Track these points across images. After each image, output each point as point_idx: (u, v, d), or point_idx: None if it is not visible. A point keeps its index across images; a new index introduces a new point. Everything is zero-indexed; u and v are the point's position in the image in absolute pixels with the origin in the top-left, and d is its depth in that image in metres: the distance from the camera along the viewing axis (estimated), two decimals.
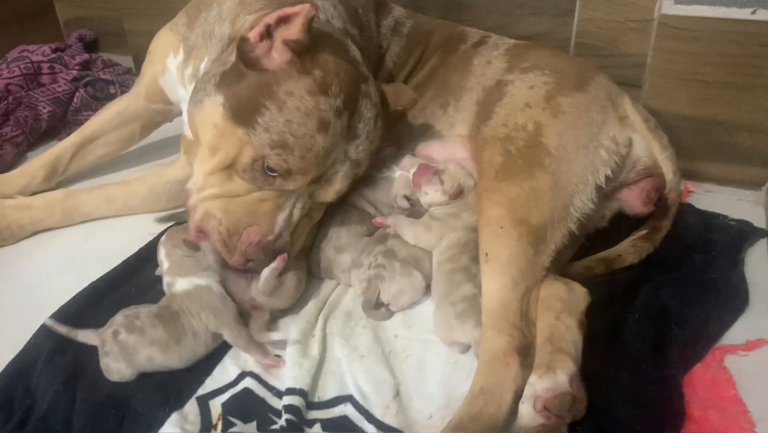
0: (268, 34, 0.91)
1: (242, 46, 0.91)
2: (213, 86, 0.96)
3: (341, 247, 1.08)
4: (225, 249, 0.96)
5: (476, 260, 0.99)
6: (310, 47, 0.91)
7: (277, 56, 0.91)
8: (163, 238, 1.06)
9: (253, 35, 0.91)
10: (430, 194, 1.10)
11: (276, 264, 0.96)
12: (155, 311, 0.94)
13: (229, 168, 0.95)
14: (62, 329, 0.96)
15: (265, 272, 0.96)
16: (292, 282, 1.01)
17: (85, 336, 0.95)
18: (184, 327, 0.92)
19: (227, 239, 0.95)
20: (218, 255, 1.00)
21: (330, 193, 1.01)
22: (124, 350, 0.89)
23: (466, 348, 0.96)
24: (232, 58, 0.96)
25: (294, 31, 0.88)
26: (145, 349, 0.89)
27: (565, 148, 1.01)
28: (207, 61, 1.11)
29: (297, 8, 0.88)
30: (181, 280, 0.97)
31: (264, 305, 0.98)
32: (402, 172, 1.14)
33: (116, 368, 0.89)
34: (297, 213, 0.99)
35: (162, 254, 1.03)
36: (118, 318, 0.93)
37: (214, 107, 0.94)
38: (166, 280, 0.99)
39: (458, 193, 1.08)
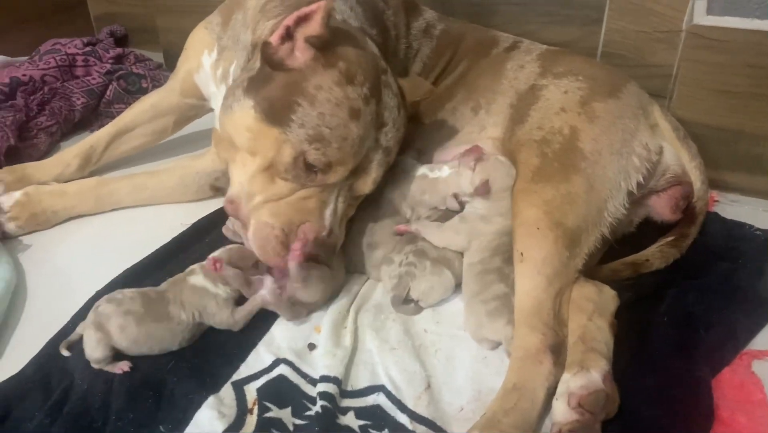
0: (288, 35, 0.94)
1: (266, 49, 0.94)
2: (242, 91, 0.98)
3: (374, 243, 1.10)
4: (285, 250, 0.97)
5: (510, 262, 1.00)
6: (330, 42, 0.94)
7: (301, 55, 0.94)
8: (230, 247, 1.03)
9: (274, 38, 0.94)
10: (462, 177, 1.10)
11: (296, 256, 0.95)
12: (142, 290, 0.96)
13: (269, 170, 0.97)
14: (66, 348, 0.95)
15: (291, 266, 0.96)
16: (320, 276, 1.01)
17: (81, 327, 0.95)
18: (169, 313, 0.93)
19: (285, 240, 0.96)
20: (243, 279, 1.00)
21: (368, 183, 1.04)
22: (98, 319, 0.91)
23: (495, 345, 0.98)
24: (257, 64, 0.98)
25: (314, 26, 0.91)
26: (118, 317, 0.90)
27: (600, 153, 1.03)
28: (235, 67, 1.14)
29: (313, 6, 0.91)
30: (202, 277, 0.98)
31: (304, 301, 0.99)
32: (452, 171, 1.14)
33: (88, 337, 0.90)
34: (341, 207, 1.02)
35: (219, 252, 1.02)
36: (102, 299, 0.94)
37: (245, 111, 0.97)
38: (192, 267, 1.01)
39: (484, 189, 1.07)
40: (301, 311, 1.00)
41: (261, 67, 0.97)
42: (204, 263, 1.01)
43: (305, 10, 0.92)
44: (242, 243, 1.05)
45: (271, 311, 1.01)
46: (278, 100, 0.94)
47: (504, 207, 1.07)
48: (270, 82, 0.95)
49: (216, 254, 1.01)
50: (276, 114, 0.94)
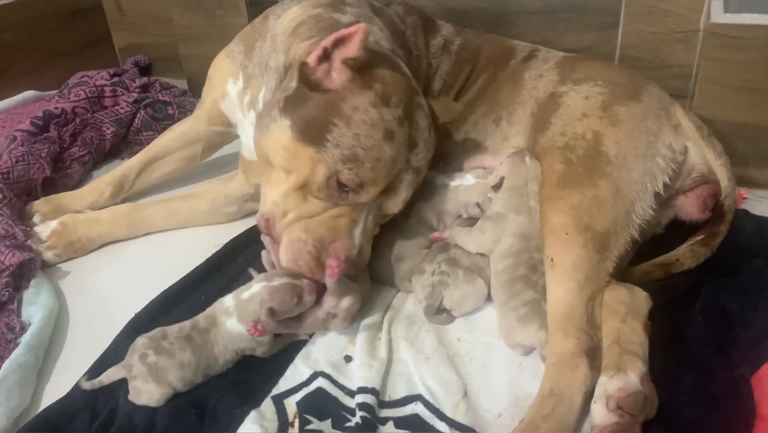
0: (325, 56, 0.96)
1: (303, 70, 0.97)
2: (278, 111, 1.00)
3: (401, 256, 1.11)
4: (318, 267, 0.98)
5: (534, 269, 1.01)
6: (367, 64, 0.96)
7: (337, 76, 0.96)
8: (274, 286, 0.96)
9: (312, 59, 0.96)
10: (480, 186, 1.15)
11: (334, 273, 0.95)
12: (185, 332, 0.94)
13: (303, 189, 0.99)
14: (90, 384, 0.94)
15: (328, 282, 0.97)
16: (352, 286, 1.02)
17: (111, 374, 0.94)
18: (215, 356, 0.94)
19: (318, 256, 0.98)
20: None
21: (397, 203, 1.05)
22: (154, 372, 0.90)
23: (528, 350, 0.98)
24: (293, 84, 1.00)
25: (353, 49, 0.93)
26: (175, 371, 0.91)
27: (625, 156, 1.03)
28: (265, 91, 1.16)
29: (352, 29, 0.93)
30: (236, 322, 0.95)
31: (340, 313, 0.99)
32: (478, 180, 1.16)
33: (145, 389, 0.90)
34: (370, 226, 1.03)
35: (254, 291, 0.97)
36: (141, 341, 0.93)
37: (282, 131, 0.99)
38: (226, 305, 0.98)
39: (498, 184, 1.11)
40: (336, 322, 1.00)
41: (298, 87, 0.99)
42: (238, 302, 0.97)
43: (343, 32, 0.94)
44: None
45: None
46: (314, 120, 0.96)
47: (519, 205, 1.08)
48: (306, 102, 0.97)
49: (262, 295, 0.95)
50: (312, 134, 0.96)
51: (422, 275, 1.08)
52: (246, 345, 0.96)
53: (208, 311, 0.99)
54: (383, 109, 0.96)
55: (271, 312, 0.93)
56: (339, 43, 0.95)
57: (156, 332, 0.95)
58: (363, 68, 0.96)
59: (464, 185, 1.17)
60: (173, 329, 0.95)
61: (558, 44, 1.42)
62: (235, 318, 0.96)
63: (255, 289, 0.97)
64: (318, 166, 0.97)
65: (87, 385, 0.94)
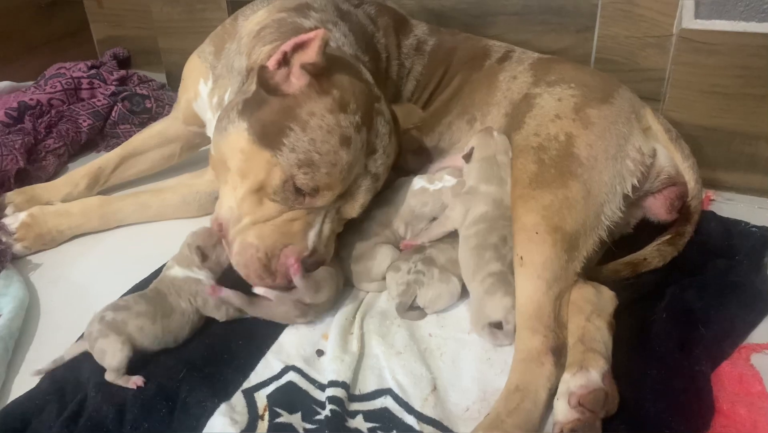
0: (285, 61, 0.97)
1: (262, 74, 0.97)
2: (236, 114, 1.01)
3: (358, 257, 1.12)
4: (267, 274, 1.00)
5: (504, 241, 1.03)
6: (326, 69, 0.97)
7: (296, 81, 0.97)
8: (195, 231, 1.10)
9: (271, 63, 0.97)
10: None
11: (295, 270, 0.99)
12: (138, 294, 1.01)
13: (258, 192, 0.99)
14: (50, 365, 0.97)
15: (299, 282, 0.99)
16: (325, 276, 1.04)
17: (72, 349, 0.98)
18: (171, 306, 0.99)
19: (267, 263, 0.99)
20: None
21: (355, 208, 1.06)
22: (113, 326, 0.93)
23: (498, 337, 0.99)
24: (253, 87, 1.01)
25: (311, 54, 0.94)
26: (133, 320, 0.95)
27: (596, 158, 1.05)
28: (230, 93, 1.17)
29: (311, 34, 0.94)
30: (177, 268, 1.05)
31: (312, 303, 1.02)
32: (459, 180, 1.17)
33: (107, 343, 0.92)
34: (327, 229, 1.04)
35: (183, 241, 1.09)
36: (97, 314, 0.97)
37: (239, 133, 0.99)
38: (167, 263, 1.07)
39: (468, 155, 1.15)
40: (307, 310, 1.02)
41: (256, 91, 0.99)
42: (176, 255, 1.07)
43: (303, 37, 0.95)
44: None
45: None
46: (271, 123, 0.97)
47: (489, 175, 1.10)
48: (264, 106, 0.98)
49: (201, 234, 1.09)
50: (268, 137, 0.97)
51: (397, 273, 1.08)
52: (196, 288, 1.02)
53: (157, 278, 1.06)
54: (340, 116, 0.97)
55: (199, 250, 1.05)
56: (298, 47, 0.96)
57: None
58: (321, 74, 0.96)
59: (447, 186, 1.18)
60: (126, 296, 1.02)
61: (536, 45, 1.43)
62: (176, 266, 1.05)
63: (189, 237, 1.09)
64: (274, 169, 0.97)
65: (50, 364, 0.96)
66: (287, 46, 0.95)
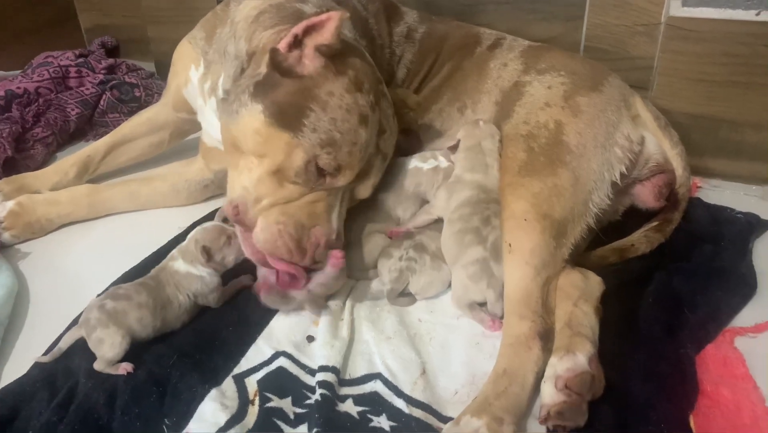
0: (296, 43, 0.97)
1: (274, 56, 0.97)
2: (248, 96, 1.00)
3: (349, 245, 1.11)
4: (298, 250, 0.98)
5: (487, 222, 1.04)
6: (338, 52, 0.97)
7: (310, 62, 0.97)
8: (205, 226, 1.07)
9: (282, 46, 0.97)
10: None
11: (340, 263, 1.00)
12: (139, 282, 0.99)
13: (277, 174, 0.99)
14: (48, 358, 0.96)
15: (331, 271, 1.00)
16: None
17: (68, 337, 0.96)
18: (169, 297, 0.99)
19: (299, 238, 0.98)
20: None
21: (368, 187, 1.07)
22: (113, 317, 0.93)
23: (481, 315, 1.01)
24: (262, 69, 1.01)
25: (327, 36, 0.95)
26: (134, 312, 0.94)
27: (585, 146, 1.06)
28: (224, 78, 1.16)
29: (324, 16, 0.95)
30: (181, 261, 1.03)
31: (320, 294, 1.02)
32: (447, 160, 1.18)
33: (106, 334, 0.92)
34: (344, 210, 1.05)
35: (191, 235, 1.06)
36: (94, 300, 0.96)
37: (254, 115, 0.98)
38: (173, 253, 1.05)
39: (454, 146, 1.17)
40: (322, 303, 1.03)
41: (268, 73, 0.99)
42: (182, 246, 1.05)
43: (314, 20, 0.95)
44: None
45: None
46: (289, 105, 0.97)
47: (474, 164, 1.12)
48: (279, 88, 0.97)
49: (211, 230, 1.06)
50: (287, 119, 0.97)
51: (389, 259, 1.09)
52: (195, 288, 1.01)
53: (159, 266, 1.04)
54: (357, 95, 0.99)
55: (205, 250, 1.01)
56: (310, 30, 0.96)
57: (109, 289, 1.00)
58: (335, 55, 0.97)
59: (441, 167, 1.18)
60: (126, 284, 1.00)
61: (526, 33, 1.44)
62: (180, 259, 1.03)
63: (191, 233, 1.06)
64: (295, 151, 0.97)
65: (46, 358, 0.95)
66: (298, 28, 0.96)
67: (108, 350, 0.92)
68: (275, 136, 0.97)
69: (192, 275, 1.02)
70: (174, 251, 1.05)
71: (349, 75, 0.99)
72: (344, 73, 0.98)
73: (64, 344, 0.96)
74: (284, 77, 0.97)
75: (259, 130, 0.98)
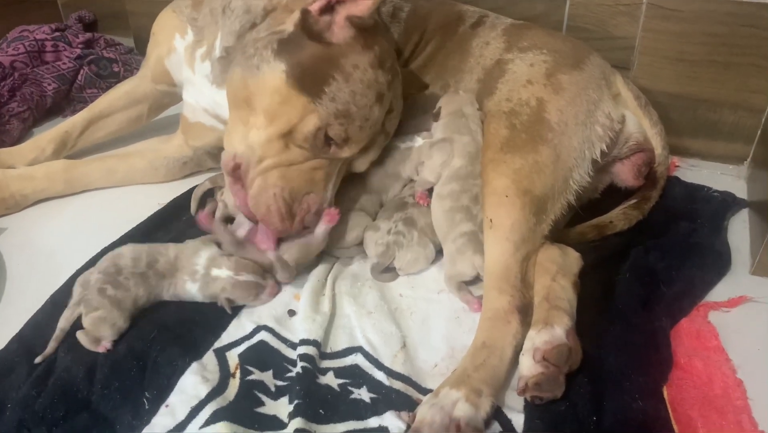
0: (328, 9, 0.97)
1: (306, 18, 0.97)
2: (272, 53, 0.99)
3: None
4: (289, 216, 0.99)
5: (476, 200, 1.05)
6: (369, 26, 0.98)
7: (339, 31, 0.98)
8: (240, 278, 1.00)
9: (315, 9, 0.97)
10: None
11: (335, 219, 1.02)
12: (141, 270, 0.98)
13: (286, 136, 0.99)
14: (54, 339, 0.94)
15: (321, 229, 1.02)
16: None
17: (66, 317, 0.95)
18: (162, 292, 0.99)
19: (291, 204, 0.99)
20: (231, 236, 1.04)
21: (365, 162, 1.08)
22: (116, 303, 0.94)
23: (468, 299, 1.01)
24: (287, 27, 1.00)
25: (363, 8, 0.96)
26: (130, 301, 0.96)
27: (566, 123, 1.06)
28: (223, 35, 1.13)
29: None
30: (224, 270, 0.99)
31: (291, 261, 1.03)
32: (424, 140, 1.18)
33: (110, 316, 0.93)
34: (338, 181, 1.06)
35: (222, 273, 1.00)
36: (95, 276, 0.96)
37: (276, 74, 0.98)
38: (197, 267, 1.00)
39: (436, 114, 1.17)
40: (292, 270, 1.03)
41: (295, 33, 0.99)
42: (223, 252, 1.02)
43: None
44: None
45: None
46: (313, 70, 0.97)
47: (459, 126, 1.13)
48: (304, 50, 0.98)
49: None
50: (308, 83, 0.97)
51: (377, 232, 1.09)
52: (246, 294, 1.00)
53: (173, 253, 1.01)
54: (379, 72, 1.00)
55: (228, 301, 0.98)
56: None
57: (109, 265, 0.97)
58: (366, 29, 0.98)
59: (415, 147, 1.18)
60: (127, 263, 0.98)
61: (510, 11, 1.43)
62: (197, 286, 0.99)
63: (223, 274, 0.99)
64: (310, 116, 0.98)
65: (48, 350, 0.93)
66: None
67: (107, 330, 0.93)
68: (294, 98, 0.98)
69: (241, 283, 0.99)
70: (199, 268, 0.99)
71: (375, 51, 1.00)
72: (371, 48, 0.99)
73: (66, 324, 0.95)
74: (311, 40, 0.97)
75: (279, 89, 0.98)
